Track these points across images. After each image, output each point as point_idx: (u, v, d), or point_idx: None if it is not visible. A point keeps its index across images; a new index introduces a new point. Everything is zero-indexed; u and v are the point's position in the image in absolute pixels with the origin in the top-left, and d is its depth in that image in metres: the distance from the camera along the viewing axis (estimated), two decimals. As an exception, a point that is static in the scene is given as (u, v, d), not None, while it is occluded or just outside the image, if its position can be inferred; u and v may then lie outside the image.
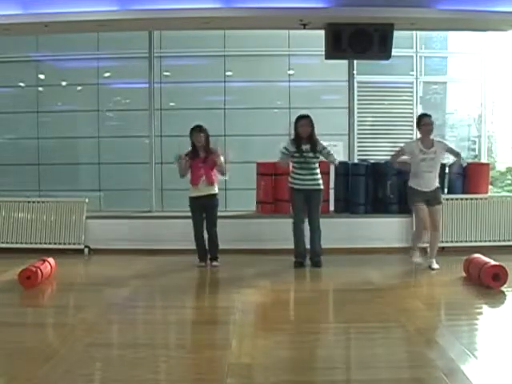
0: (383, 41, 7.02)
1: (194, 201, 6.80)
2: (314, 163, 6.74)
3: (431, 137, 6.55)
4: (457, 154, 6.75)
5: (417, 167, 6.48)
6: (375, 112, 8.72)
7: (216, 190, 6.84)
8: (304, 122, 6.69)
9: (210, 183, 6.74)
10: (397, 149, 6.77)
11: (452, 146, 6.72)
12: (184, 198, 6.95)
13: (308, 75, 8.78)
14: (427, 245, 6.73)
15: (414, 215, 6.76)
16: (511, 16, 6.89)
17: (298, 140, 6.71)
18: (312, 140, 6.68)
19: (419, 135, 6.61)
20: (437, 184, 6.59)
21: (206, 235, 6.89)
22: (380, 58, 7.39)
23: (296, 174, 6.75)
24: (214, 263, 6.88)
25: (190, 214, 6.88)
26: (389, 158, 6.96)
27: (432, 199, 6.51)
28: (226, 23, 7.23)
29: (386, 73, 8.64)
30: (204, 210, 6.81)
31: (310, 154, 6.68)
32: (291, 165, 6.84)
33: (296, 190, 6.74)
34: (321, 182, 6.79)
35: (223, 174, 6.84)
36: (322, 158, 6.79)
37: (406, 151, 6.58)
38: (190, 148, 6.80)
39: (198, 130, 6.73)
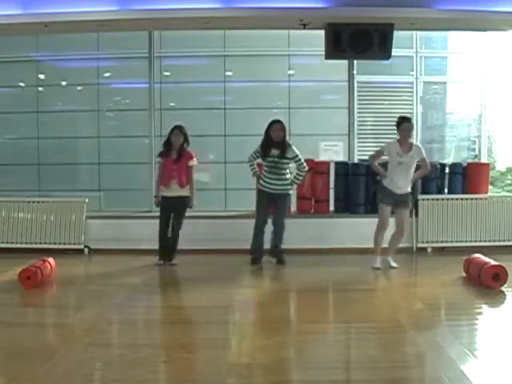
0: (383, 41, 7.02)
1: (164, 200, 6.83)
2: (284, 168, 6.79)
3: (410, 140, 6.58)
4: (424, 167, 6.68)
5: (393, 169, 6.54)
6: (375, 112, 8.71)
7: (187, 192, 6.82)
8: (277, 127, 6.76)
9: (181, 185, 6.76)
10: (377, 149, 6.81)
11: (426, 158, 6.68)
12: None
13: (308, 75, 8.77)
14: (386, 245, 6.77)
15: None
16: (511, 16, 6.90)
17: (268, 144, 6.76)
18: (283, 145, 6.73)
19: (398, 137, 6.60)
20: (409, 189, 6.62)
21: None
22: (380, 58, 7.39)
23: (265, 177, 6.82)
24: (172, 262, 6.87)
25: (189, 214, 6.88)
26: (369, 158, 6.89)
27: (400, 202, 6.56)
28: (225, 23, 7.23)
29: (386, 73, 8.64)
30: (173, 210, 6.81)
31: (280, 160, 6.73)
32: (263, 167, 6.88)
33: (262, 192, 6.82)
34: (289, 186, 6.86)
35: (190, 185, 6.81)
36: (293, 164, 6.86)
37: (386, 152, 6.62)
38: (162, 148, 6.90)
39: (178, 129, 6.81)
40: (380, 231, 6.68)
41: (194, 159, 6.82)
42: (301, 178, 6.92)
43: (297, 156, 6.80)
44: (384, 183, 6.62)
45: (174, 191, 6.78)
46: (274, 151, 6.75)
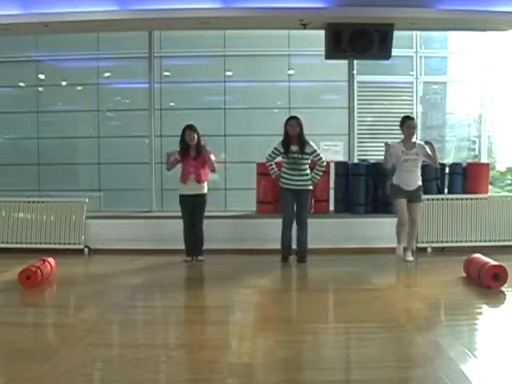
0: (383, 41, 7.03)
1: (183, 199, 6.99)
2: (304, 164, 6.85)
3: (413, 140, 6.86)
4: (432, 156, 6.85)
5: (400, 167, 6.78)
6: (375, 112, 8.72)
7: (205, 189, 6.98)
8: (293, 123, 6.82)
9: (199, 180, 6.90)
10: (384, 150, 6.88)
11: (429, 151, 6.84)
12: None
13: (308, 75, 8.77)
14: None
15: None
16: (511, 16, 6.90)
17: (287, 140, 6.82)
18: (301, 141, 6.79)
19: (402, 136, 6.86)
20: (419, 183, 6.88)
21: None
22: (380, 58, 7.40)
23: (286, 173, 6.88)
24: (200, 258, 7.07)
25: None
26: (382, 161, 7.04)
27: (413, 197, 6.80)
28: (225, 23, 7.24)
29: (386, 73, 8.64)
30: (193, 207, 6.94)
31: (299, 155, 6.79)
32: (282, 165, 6.94)
33: (285, 189, 6.88)
34: (309, 182, 6.91)
35: (214, 170, 7.03)
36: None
37: (392, 152, 6.79)
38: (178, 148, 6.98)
39: (190, 129, 6.91)
40: (400, 227, 6.81)
41: (212, 156, 6.92)
42: (320, 173, 6.97)
43: (315, 151, 6.87)
44: (395, 182, 6.83)
45: (192, 189, 6.93)
46: (293, 147, 6.81)
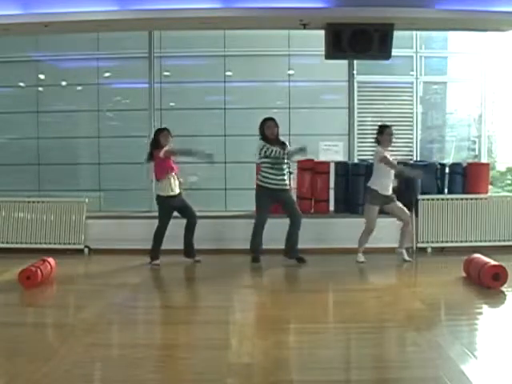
0: (383, 41, 7.03)
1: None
2: (286, 163, 6.86)
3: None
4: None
5: (384, 173, 6.82)
6: (375, 112, 8.71)
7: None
8: (271, 124, 6.83)
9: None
10: (390, 158, 6.89)
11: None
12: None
13: (308, 75, 8.77)
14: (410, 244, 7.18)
15: (365, 215, 7.00)
16: (511, 16, 6.90)
17: (268, 142, 6.81)
18: (280, 141, 6.84)
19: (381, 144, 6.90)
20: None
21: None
22: (380, 58, 7.39)
23: (269, 173, 6.80)
24: (197, 258, 7.02)
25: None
26: (400, 169, 7.03)
27: (389, 200, 6.87)
28: (225, 23, 7.24)
29: (386, 73, 8.64)
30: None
31: (283, 155, 6.78)
32: (264, 165, 6.84)
33: (266, 188, 6.81)
34: (287, 182, 6.91)
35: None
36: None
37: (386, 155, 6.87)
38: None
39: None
40: (367, 235, 6.95)
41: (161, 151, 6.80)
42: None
43: (289, 148, 6.90)
44: (375, 187, 6.84)
45: (176, 188, 6.94)
46: (276, 148, 6.78)
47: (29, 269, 5.78)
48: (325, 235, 7.52)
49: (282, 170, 6.81)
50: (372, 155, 7.32)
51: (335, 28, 7.00)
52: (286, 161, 6.85)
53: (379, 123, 7.26)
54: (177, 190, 6.86)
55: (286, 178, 6.85)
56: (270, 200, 6.87)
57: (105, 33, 8.16)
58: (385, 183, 6.82)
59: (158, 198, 6.90)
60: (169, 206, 6.81)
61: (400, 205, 6.93)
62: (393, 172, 6.85)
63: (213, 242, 7.47)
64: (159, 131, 6.94)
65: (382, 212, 6.91)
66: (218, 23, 7.13)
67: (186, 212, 6.92)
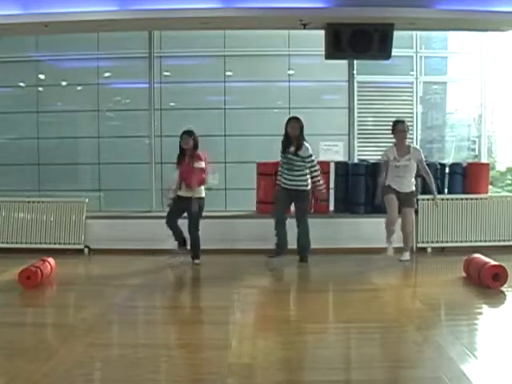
0: (383, 41, 7.03)
1: (177, 197, 6.96)
2: (296, 165, 6.78)
3: (407, 143, 6.86)
4: (427, 175, 6.87)
5: (391, 171, 6.78)
6: (375, 112, 8.71)
7: (198, 194, 6.82)
8: (295, 124, 6.79)
9: (188, 185, 6.80)
10: (380, 162, 6.94)
11: (425, 163, 6.89)
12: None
13: (308, 75, 8.77)
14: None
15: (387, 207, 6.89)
16: (511, 16, 6.90)
17: (287, 140, 6.83)
18: (298, 143, 6.75)
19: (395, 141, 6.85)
20: (412, 188, 6.85)
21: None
22: (380, 58, 7.39)
23: (282, 172, 6.91)
24: (196, 261, 6.94)
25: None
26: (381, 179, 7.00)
27: (403, 200, 6.77)
28: (225, 23, 7.24)
29: (386, 73, 8.64)
30: (185, 209, 6.88)
31: (293, 157, 6.76)
32: (280, 164, 6.95)
33: (278, 186, 6.93)
34: (304, 183, 6.82)
35: (202, 181, 6.86)
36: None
37: (385, 159, 6.83)
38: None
39: (185, 134, 6.88)
40: (390, 225, 6.82)
41: (201, 162, 6.82)
42: (317, 179, 6.82)
43: (309, 156, 6.76)
44: (386, 183, 6.81)
45: (185, 192, 6.87)
46: (291, 148, 6.78)
47: (29, 269, 5.78)
48: (325, 235, 7.52)
49: (292, 170, 6.78)
50: (372, 155, 7.33)
51: (335, 28, 7.00)
52: (302, 163, 6.76)
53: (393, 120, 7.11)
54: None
55: (297, 178, 6.79)
56: (284, 198, 6.86)
57: (105, 33, 8.16)
58: (394, 182, 6.78)
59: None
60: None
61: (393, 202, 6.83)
62: (404, 172, 6.74)
63: (213, 242, 7.46)
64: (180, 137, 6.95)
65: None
66: (218, 23, 7.13)
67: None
